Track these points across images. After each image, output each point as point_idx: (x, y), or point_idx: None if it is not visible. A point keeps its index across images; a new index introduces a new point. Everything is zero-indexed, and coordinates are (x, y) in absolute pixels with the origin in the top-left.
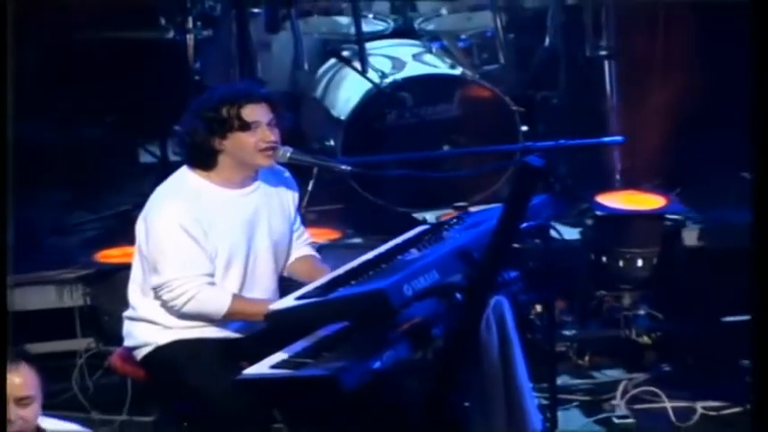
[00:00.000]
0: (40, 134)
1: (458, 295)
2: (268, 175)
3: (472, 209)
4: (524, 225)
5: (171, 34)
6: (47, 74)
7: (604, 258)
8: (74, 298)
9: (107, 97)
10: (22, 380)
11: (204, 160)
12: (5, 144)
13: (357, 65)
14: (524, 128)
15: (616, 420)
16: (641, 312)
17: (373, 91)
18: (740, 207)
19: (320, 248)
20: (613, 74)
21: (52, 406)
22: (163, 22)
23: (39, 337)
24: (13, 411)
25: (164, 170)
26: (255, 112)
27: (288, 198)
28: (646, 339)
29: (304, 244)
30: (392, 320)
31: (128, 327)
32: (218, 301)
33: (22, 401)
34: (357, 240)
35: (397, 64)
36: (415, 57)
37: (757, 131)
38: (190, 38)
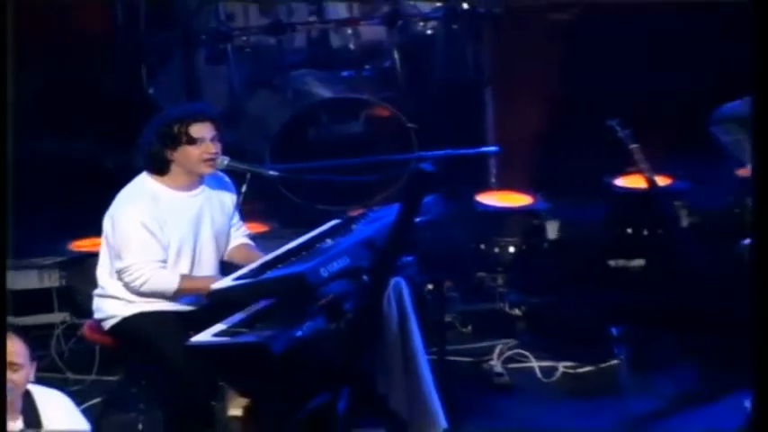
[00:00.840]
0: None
1: (364, 277)
2: (211, 179)
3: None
4: (418, 219)
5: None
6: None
7: (483, 246)
8: (52, 280)
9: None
10: (12, 348)
11: (159, 168)
12: (5, 144)
13: (283, 91)
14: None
15: (494, 378)
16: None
17: (295, 111)
18: (594, 206)
19: (252, 239)
20: (490, 95)
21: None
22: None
23: (23, 312)
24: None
25: (127, 176)
26: (201, 130)
27: (227, 198)
28: (516, 311)
29: (242, 235)
30: (311, 297)
31: (97, 302)
32: (169, 281)
33: (11, 366)
34: (282, 232)
35: (315, 89)
36: (330, 83)
37: (757, 131)
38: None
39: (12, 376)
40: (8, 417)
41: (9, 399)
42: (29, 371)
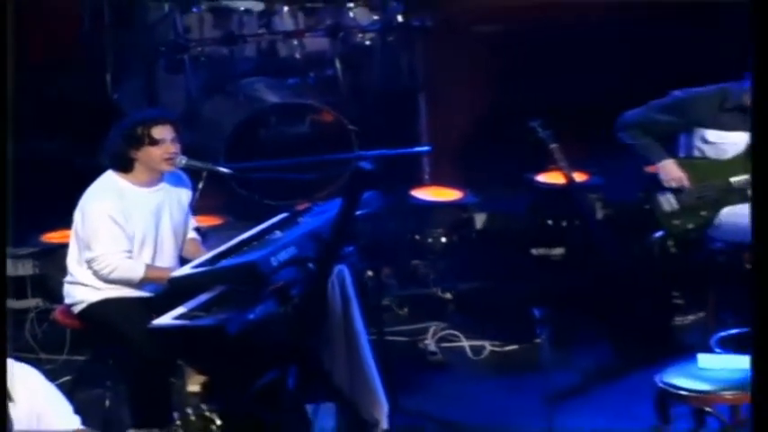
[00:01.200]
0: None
1: (310, 265)
2: (170, 176)
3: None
4: (358, 213)
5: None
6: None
7: (417, 236)
8: (25, 268)
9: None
10: None
11: (124, 166)
12: (5, 143)
13: (235, 96)
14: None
15: (428, 356)
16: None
17: (246, 115)
18: (518, 199)
19: (207, 231)
20: (423, 100)
21: (12, 349)
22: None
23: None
24: None
25: (93, 174)
26: (162, 132)
27: (183, 194)
28: (448, 296)
29: (190, 229)
30: (262, 284)
31: (67, 289)
32: (134, 270)
33: None
34: (236, 225)
35: (264, 95)
36: (278, 89)
37: (757, 131)
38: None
39: None
40: None
41: None
42: None
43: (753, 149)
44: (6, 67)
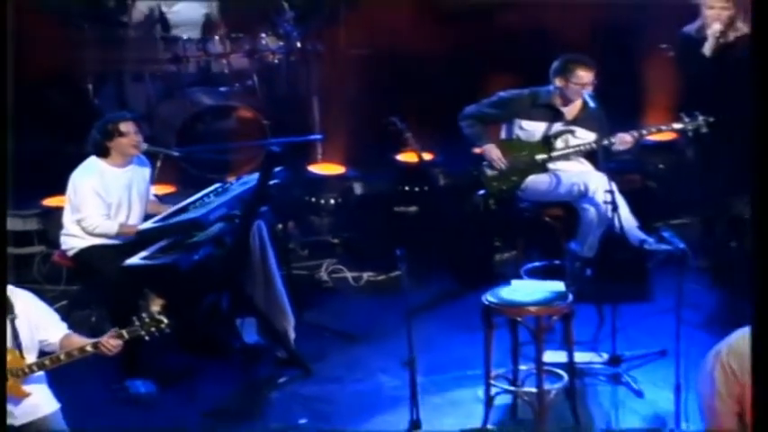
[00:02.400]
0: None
1: (237, 220)
2: (137, 159)
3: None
4: (271, 183)
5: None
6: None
7: (313, 199)
8: (32, 224)
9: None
10: None
11: (102, 152)
12: (5, 142)
13: (182, 101)
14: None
15: (322, 284)
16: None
17: (190, 114)
18: (384, 173)
19: (164, 197)
20: (316, 102)
21: (24, 282)
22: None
23: (16, 245)
24: None
25: (81, 157)
26: (126, 127)
27: (146, 172)
28: (336, 241)
29: (151, 195)
30: (204, 234)
31: (63, 239)
32: (110, 227)
33: None
34: (184, 192)
35: (203, 99)
36: (212, 95)
37: (757, 131)
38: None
39: None
40: None
41: None
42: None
43: (753, 149)
44: (6, 65)
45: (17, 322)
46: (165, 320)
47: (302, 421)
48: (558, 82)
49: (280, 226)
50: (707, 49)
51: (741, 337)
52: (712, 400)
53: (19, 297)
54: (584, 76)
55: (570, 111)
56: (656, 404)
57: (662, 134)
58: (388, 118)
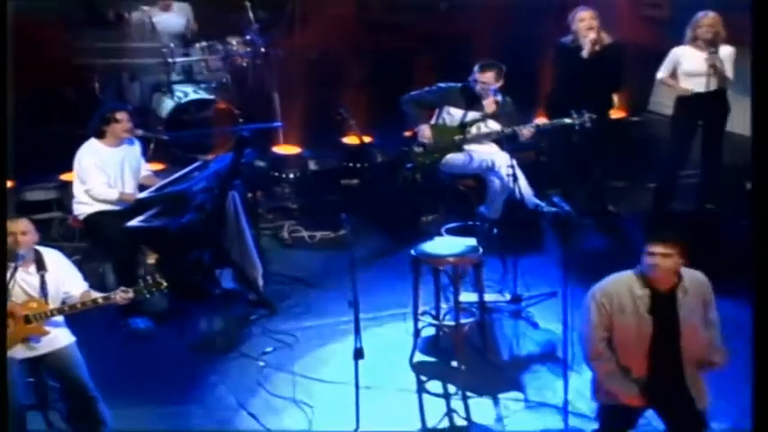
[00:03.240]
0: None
1: (215, 191)
2: (128, 141)
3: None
4: (242, 161)
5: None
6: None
7: (276, 173)
8: (50, 195)
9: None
10: (23, 225)
11: (99, 135)
12: (5, 141)
13: (171, 95)
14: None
15: (284, 241)
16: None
17: (176, 106)
18: (333, 153)
19: (157, 172)
20: (277, 96)
21: (45, 241)
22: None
23: (37, 212)
24: (17, 238)
25: (84, 138)
26: (120, 115)
27: (137, 150)
28: (294, 206)
29: (146, 170)
30: (189, 201)
31: (74, 206)
32: (112, 194)
33: (24, 234)
34: (172, 168)
35: (187, 93)
36: (194, 90)
37: (757, 131)
38: (97, 87)
39: (25, 238)
40: (23, 267)
41: (25, 254)
42: (34, 236)
43: (753, 148)
44: (6, 65)
45: (47, 276)
46: (164, 283)
47: (269, 350)
48: (475, 80)
49: (249, 195)
50: (585, 53)
51: (611, 281)
52: (587, 329)
53: (51, 256)
54: (491, 76)
55: (489, 104)
56: (548, 334)
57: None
58: (336, 108)
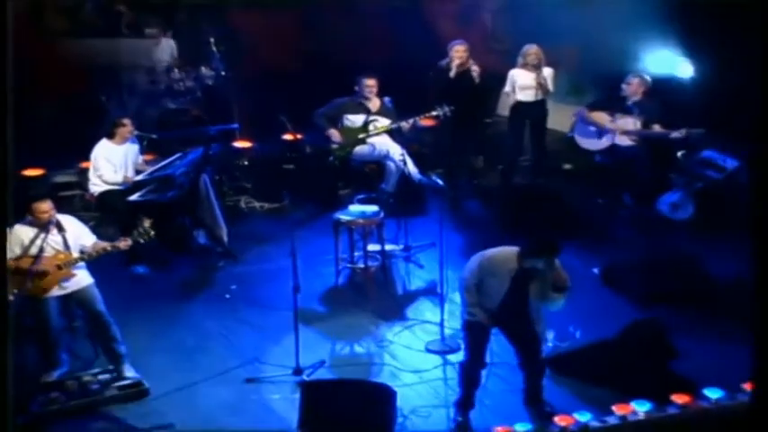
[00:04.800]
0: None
1: (192, 174)
2: (131, 140)
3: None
4: (210, 152)
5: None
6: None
7: (237, 162)
8: (73, 177)
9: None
10: (46, 204)
11: (111, 136)
12: (5, 139)
13: (158, 106)
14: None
15: (243, 211)
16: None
17: (162, 113)
18: (276, 147)
19: (149, 161)
20: (236, 106)
21: (69, 211)
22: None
23: (62, 190)
24: (47, 214)
25: (98, 138)
26: (126, 122)
27: (136, 147)
28: (248, 185)
29: (140, 160)
30: (173, 182)
31: (90, 186)
32: (117, 178)
33: (48, 211)
34: (162, 159)
35: (170, 104)
36: (175, 102)
37: (757, 131)
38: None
39: (50, 213)
40: (50, 233)
41: (51, 224)
42: (54, 211)
43: (753, 147)
44: (6, 65)
45: (66, 235)
46: (152, 233)
47: (233, 287)
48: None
49: (217, 177)
50: (452, 74)
51: (499, 252)
52: (467, 273)
53: (67, 220)
54: (370, 84)
55: (374, 106)
56: (429, 273)
57: (428, 120)
58: (277, 115)
